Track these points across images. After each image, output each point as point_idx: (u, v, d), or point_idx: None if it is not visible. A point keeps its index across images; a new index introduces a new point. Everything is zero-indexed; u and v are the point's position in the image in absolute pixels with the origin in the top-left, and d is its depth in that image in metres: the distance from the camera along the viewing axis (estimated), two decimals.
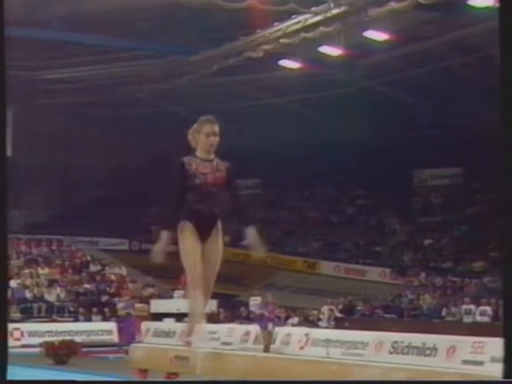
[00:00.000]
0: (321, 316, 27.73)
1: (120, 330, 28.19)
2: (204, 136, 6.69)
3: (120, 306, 29.93)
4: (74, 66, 35.69)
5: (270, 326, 23.32)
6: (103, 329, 30.08)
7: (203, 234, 6.72)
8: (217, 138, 6.73)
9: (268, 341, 23.39)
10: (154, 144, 41.56)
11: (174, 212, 6.76)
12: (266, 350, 22.92)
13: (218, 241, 6.83)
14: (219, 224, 6.84)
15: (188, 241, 6.71)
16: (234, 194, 6.95)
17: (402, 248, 35.20)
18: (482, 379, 4.69)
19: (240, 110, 37.29)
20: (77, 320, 31.10)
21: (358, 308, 29.52)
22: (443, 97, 34.76)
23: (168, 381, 6.16)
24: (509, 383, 4.14)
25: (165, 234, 6.68)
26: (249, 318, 29.85)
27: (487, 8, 25.09)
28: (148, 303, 31.61)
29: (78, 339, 25.74)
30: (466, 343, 20.87)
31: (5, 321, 4.78)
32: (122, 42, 32.58)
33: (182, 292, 33.77)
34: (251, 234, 6.82)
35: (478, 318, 25.72)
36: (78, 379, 6.49)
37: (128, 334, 26.29)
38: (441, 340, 21.99)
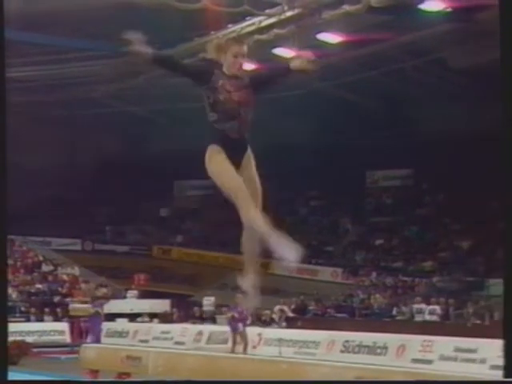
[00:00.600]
0: (273, 316, 27.76)
1: (87, 329, 28.11)
2: (231, 56, 6.04)
3: (90, 305, 29.57)
4: (26, 66, 35.29)
5: (241, 326, 23.09)
6: (55, 329, 29.78)
7: (233, 160, 6.00)
8: (245, 60, 6.12)
9: (245, 342, 23.15)
10: (108, 144, 41.30)
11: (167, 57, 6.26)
12: (244, 351, 22.68)
13: (252, 169, 6.15)
14: (250, 151, 6.16)
15: (224, 163, 5.95)
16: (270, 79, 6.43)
17: (354, 248, 35.41)
18: (435, 378, 4.71)
19: (195, 111, 37.12)
20: (28, 320, 30.76)
21: (311, 308, 29.63)
22: (395, 99, 35.04)
23: (169, 381, 6.02)
24: (509, 383, 4.12)
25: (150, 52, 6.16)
26: (202, 318, 29.82)
27: (438, 12, 25.38)
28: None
29: (29, 339, 25.51)
30: (415, 342, 21.06)
31: (5, 321, 4.75)
32: (75, 42, 32.30)
33: (135, 292, 33.67)
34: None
35: (428, 317, 25.97)
36: (29, 379, 6.42)
37: (95, 332, 26.28)
38: (391, 339, 22.16)
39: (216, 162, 5.97)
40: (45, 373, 16.84)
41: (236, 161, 6.02)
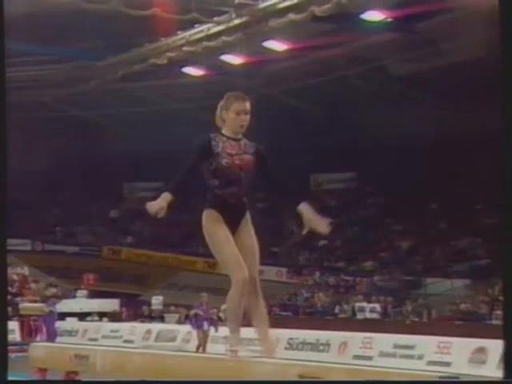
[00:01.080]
0: (220, 315, 27.71)
1: (37, 328, 27.79)
2: (233, 114, 5.74)
3: (43, 304, 29.12)
4: None
5: (206, 325, 22.77)
6: None
7: (231, 225, 5.82)
8: (248, 117, 5.78)
9: (204, 340, 22.76)
10: (58, 147, 40.82)
11: (181, 177, 5.78)
12: (203, 349, 22.30)
13: (250, 232, 5.96)
14: (248, 215, 5.97)
15: (220, 231, 5.77)
16: (271, 175, 6.04)
17: (298, 249, 35.52)
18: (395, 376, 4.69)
19: (145, 115, 37.06)
20: None
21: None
22: (339, 105, 35.27)
23: (172, 381, 5.89)
24: (509, 383, 4.10)
25: (167, 194, 5.70)
26: (151, 317, 29.66)
27: (379, 22, 25.61)
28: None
29: None
30: (356, 339, 21.19)
31: (5, 321, 4.66)
32: (25, 47, 31.86)
33: (84, 292, 33.35)
34: (306, 210, 5.96)
35: (368, 315, 26.16)
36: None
37: (51, 331, 25.98)
38: (333, 336, 22.28)
39: (212, 229, 5.83)
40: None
41: (233, 225, 5.84)
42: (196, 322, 22.99)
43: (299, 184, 6.09)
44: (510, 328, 4.23)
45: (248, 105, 5.75)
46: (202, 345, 22.75)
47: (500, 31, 4.01)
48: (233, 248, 5.78)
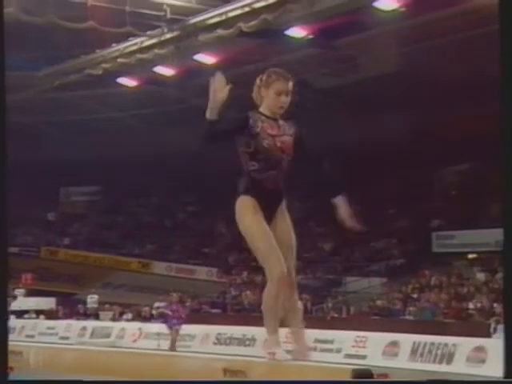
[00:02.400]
0: (153, 312, 27.57)
1: None
2: (273, 93, 5.05)
3: None
4: None
5: (176, 323, 22.32)
6: None
7: (267, 212, 5.04)
8: (288, 99, 5.06)
9: (175, 339, 22.26)
10: None
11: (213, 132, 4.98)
12: (173, 348, 21.91)
13: (286, 222, 5.18)
14: (284, 202, 5.20)
15: (257, 221, 4.98)
16: (310, 161, 5.23)
17: (228, 249, 35.53)
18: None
19: (81, 123, 36.71)
20: None
21: (187, 304, 29.52)
22: None
23: (172, 381, 5.72)
24: (509, 383, 4.04)
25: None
26: (86, 315, 29.32)
27: (302, 38, 25.85)
28: None
29: None
30: (280, 334, 21.25)
31: (5, 321, 4.51)
32: None
33: (22, 290, 32.76)
34: (340, 205, 5.23)
35: None
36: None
37: None
38: (259, 331, 22.27)
39: (250, 220, 5.03)
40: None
41: (270, 212, 5.07)
42: (167, 321, 22.53)
43: (338, 174, 5.46)
44: (510, 328, 4.14)
45: (291, 85, 5.11)
46: (171, 343, 22.26)
47: (500, 31, 3.98)
48: (270, 242, 5.01)
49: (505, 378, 4.12)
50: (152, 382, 5.52)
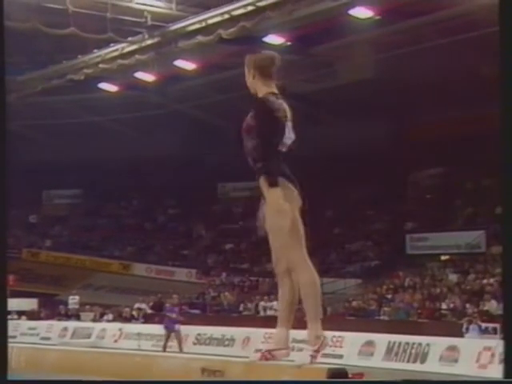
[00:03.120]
0: (133, 312, 27.46)
1: None
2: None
3: None
4: None
5: (177, 327, 21.96)
6: None
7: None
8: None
9: (181, 340, 21.99)
10: None
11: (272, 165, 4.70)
12: (181, 349, 21.66)
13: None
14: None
15: (290, 210, 4.91)
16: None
17: (207, 251, 35.48)
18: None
19: (64, 127, 36.56)
20: None
21: (167, 305, 29.39)
22: (243, 119, 35.42)
23: (175, 381, 5.64)
24: (509, 383, 4.00)
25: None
26: (67, 315, 29.15)
27: (279, 45, 25.87)
28: None
29: None
30: (258, 334, 21.26)
31: (5, 321, 4.44)
32: None
33: None
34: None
35: (270, 313, 26.28)
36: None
37: None
38: (238, 332, 22.33)
39: (284, 206, 4.94)
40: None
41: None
42: (168, 323, 22.18)
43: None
44: (510, 328, 4.10)
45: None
46: (178, 345, 21.88)
47: (500, 31, 3.96)
48: (301, 249, 5.06)
49: (505, 378, 4.09)
50: (152, 382, 5.49)
